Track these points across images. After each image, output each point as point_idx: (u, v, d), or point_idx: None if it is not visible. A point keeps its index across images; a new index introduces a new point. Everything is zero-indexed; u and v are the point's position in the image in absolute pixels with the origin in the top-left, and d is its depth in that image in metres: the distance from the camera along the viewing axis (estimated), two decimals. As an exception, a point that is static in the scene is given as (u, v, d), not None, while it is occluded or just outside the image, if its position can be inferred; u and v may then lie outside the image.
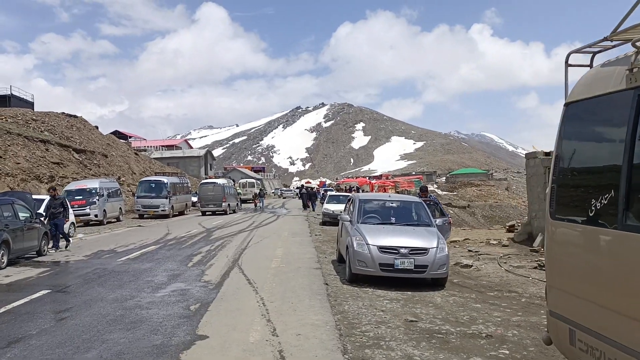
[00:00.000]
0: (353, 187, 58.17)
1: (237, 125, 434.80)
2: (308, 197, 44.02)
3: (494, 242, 15.82)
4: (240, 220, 28.89)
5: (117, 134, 79.77)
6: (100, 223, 26.60)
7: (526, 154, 16.23)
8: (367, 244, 9.74)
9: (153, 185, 33.29)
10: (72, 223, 20.90)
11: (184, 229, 22.92)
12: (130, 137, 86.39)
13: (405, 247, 9.58)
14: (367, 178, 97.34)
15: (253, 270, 11.53)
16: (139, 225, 26.23)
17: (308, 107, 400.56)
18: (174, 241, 18.11)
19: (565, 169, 4.47)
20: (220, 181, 46.58)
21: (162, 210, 32.00)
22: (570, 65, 4.72)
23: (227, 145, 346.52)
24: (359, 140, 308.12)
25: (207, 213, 35.08)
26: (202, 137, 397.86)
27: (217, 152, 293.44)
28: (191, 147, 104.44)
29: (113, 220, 28.62)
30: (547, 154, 15.32)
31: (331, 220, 25.68)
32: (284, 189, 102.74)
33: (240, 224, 26.49)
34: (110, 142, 56.21)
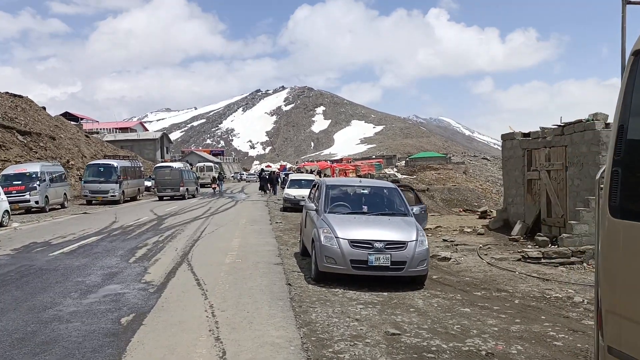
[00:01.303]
0: (314, 171, 56.93)
1: (196, 108, 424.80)
2: (269, 180, 42.79)
3: (469, 230, 14.75)
4: (196, 206, 27.13)
5: (68, 115, 75.84)
6: (42, 210, 24.42)
7: (502, 135, 15.15)
8: (336, 237, 8.37)
9: (102, 169, 31.07)
10: (7, 211, 18.83)
11: (133, 217, 21.08)
12: (81, 118, 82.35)
13: (380, 241, 8.26)
14: (328, 162, 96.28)
15: (204, 266, 10.01)
16: (85, 213, 24.16)
17: (268, 91, 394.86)
18: (119, 231, 16.35)
19: None
20: (176, 165, 44.46)
21: (111, 196, 29.91)
22: (630, 3, 3.39)
23: (186, 128, 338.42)
24: (320, 124, 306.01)
25: (164, 198, 33.68)
26: (160, 119, 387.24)
27: (175, 136, 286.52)
28: (147, 130, 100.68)
29: (57, 207, 26.43)
30: (526, 134, 14.28)
31: (292, 206, 24.33)
32: (244, 172, 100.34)
33: (196, 210, 24.77)
34: (59, 123, 52.99)
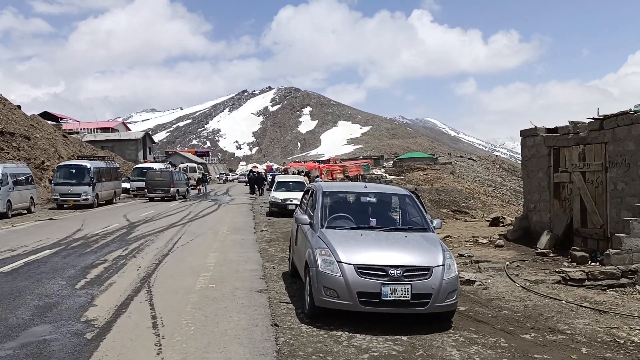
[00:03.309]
0: (302, 172, 54.82)
1: (182, 109, 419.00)
2: (255, 181, 41.13)
3: (484, 241, 12.74)
4: (175, 211, 24.91)
5: (47, 115, 72.98)
6: (4, 216, 22.03)
7: (522, 131, 13.19)
8: (339, 261, 6.31)
9: (73, 170, 28.73)
10: (-46, 219, 16.50)
11: (102, 224, 18.83)
12: (61, 118, 79.47)
13: (397, 266, 6.21)
14: (316, 162, 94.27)
15: (167, 295, 7.88)
16: (51, 219, 21.85)
17: (255, 91, 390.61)
18: (81, 242, 14.14)
19: None
20: (157, 166, 42.78)
21: (84, 200, 27.56)
22: None
23: (171, 129, 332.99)
24: (306, 124, 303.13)
25: (155, 199, 33.31)
26: (145, 120, 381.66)
27: (160, 136, 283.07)
28: (129, 130, 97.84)
29: (23, 211, 24.08)
30: (551, 130, 12.32)
31: (279, 210, 22.23)
32: (229, 173, 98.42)
33: (174, 215, 22.56)
34: (35, 123, 50.45)
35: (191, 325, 6.33)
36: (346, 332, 6.12)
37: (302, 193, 23.17)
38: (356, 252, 6.41)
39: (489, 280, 8.89)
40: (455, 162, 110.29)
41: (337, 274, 6.24)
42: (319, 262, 6.41)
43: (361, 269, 6.20)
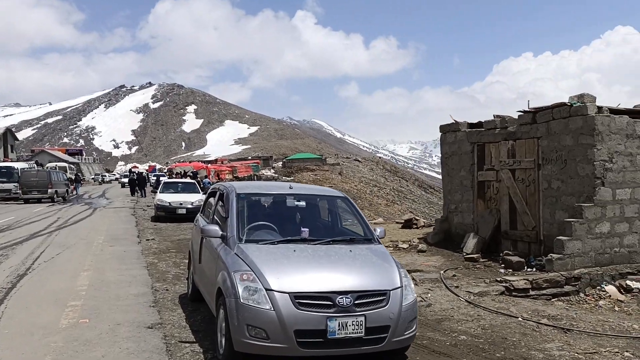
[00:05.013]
0: (188, 172, 51.72)
1: (50, 104, 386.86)
2: (137, 182, 37.96)
3: (405, 246, 11.60)
4: (40, 216, 21.40)
5: None
6: None
7: (442, 127, 12.25)
8: (268, 289, 4.60)
9: None
10: None
11: (-59, 235, 15.28)
12: None
13: (346, 293, 4.64)
14: (202, 162, 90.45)
15: (18, 338, 5.64)
16: None
17: (134, 87, 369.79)
18: None
19: None
20: (20, 165, 38.58)
21: None
22: None
23: (39, 125, 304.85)
24: (191, 123, 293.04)
25: (31, 201, 30.53)
26: (7, 115, 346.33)
27: (26, 133, 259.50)
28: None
29: None
30: (474, 125, 11.48)
31: (167, 214, 19.82)
32: (106, 174, 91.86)
33: (39, 222, 19.22)
34: None
35: (50, 393, 4.27)
36: (280, 388, 4.43)
37: (193, 195, 21.12)
38: (290, 274, 4.74)
39: (429, 295, 7.63)
40: (342, 163, 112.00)
41: (267, 307, 4.52)
42: (240, 290, 4.65)
43: (299, 299, 4.55)
